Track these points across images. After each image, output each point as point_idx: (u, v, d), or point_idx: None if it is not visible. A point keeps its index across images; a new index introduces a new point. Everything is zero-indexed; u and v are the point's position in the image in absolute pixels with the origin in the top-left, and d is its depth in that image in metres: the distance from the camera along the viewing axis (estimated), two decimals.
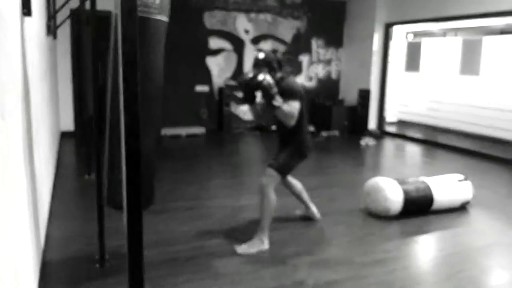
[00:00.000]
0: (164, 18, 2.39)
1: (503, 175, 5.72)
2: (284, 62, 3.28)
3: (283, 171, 3.25)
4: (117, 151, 2.35)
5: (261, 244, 3.17)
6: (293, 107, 3.05)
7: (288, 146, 3.27)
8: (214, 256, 3.07)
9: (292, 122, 3.08)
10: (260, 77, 2.99)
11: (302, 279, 2.78)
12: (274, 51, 8.51)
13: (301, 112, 3.14)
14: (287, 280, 2.77)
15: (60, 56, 7.07)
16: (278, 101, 2.99)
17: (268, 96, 2.99)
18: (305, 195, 3.70)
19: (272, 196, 3.18)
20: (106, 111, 2.49)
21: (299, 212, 3.86)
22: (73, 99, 7.40)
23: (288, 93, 3.07)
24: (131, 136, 1.37)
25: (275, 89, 2.98)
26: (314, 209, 3.75)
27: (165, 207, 3.97)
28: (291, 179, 3.63)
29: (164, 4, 2.35)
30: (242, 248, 3.13)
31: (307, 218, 3.77)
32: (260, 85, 2.98)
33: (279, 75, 3.19)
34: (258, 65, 3.17)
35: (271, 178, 3.19)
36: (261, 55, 3.21)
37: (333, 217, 3.89)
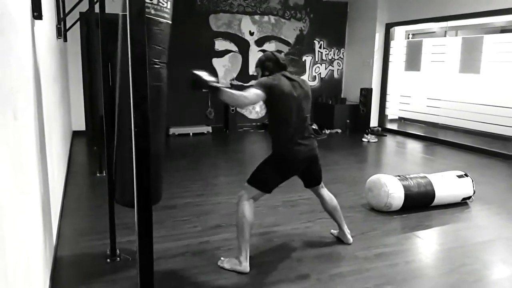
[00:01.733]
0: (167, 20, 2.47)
1: (504, 171, 5.77)
2: (286, 62, 3.03)
3: (258, 183, 2.90)
4: (126, 149, 2.43)
5: (237, 264, 2.85)
6: (247, 92, 2.74)
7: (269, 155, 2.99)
8: (221, 250, 3.15)
9: (236, 102, 2.77)
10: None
11: (306, 273, 2.84)
12: (279, 51, 8.58)
13: (278, 115, 2.88)
14: (291, 273, 2.83)
15: (71, 58, 7.20)
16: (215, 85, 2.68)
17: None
18: (339, 215, 3.29)
19: (242, 211, 2.85)
20: (115, 111, 2.56)
21: (334, 233, 3.47)
22: (84, 100, 7.55)
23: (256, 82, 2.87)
24: (140, 135, 1.38)
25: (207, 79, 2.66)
26: (346, 231, 3.34)
27: (173, 203, 4.06)
28: (325, 193, 3.24)
29: (165, 6, 2.42)
30: (221, 261, 2.93)
31: (339, 239, 3.39)
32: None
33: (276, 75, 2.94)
34: (255, 65, 3.09)
35: (245, 191, 2.91)
36: (259, 57, 3.07)
37: None
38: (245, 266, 2.83)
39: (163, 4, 2.32)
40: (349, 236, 3.33)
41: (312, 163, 3.04)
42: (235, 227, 2.94)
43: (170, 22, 2.41)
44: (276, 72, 2.93)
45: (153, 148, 2.52)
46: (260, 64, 3.02)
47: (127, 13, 1.32)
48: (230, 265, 2.86)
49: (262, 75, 2.98)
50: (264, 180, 2.91)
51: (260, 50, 8.65)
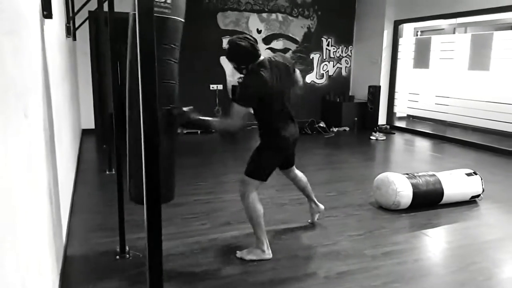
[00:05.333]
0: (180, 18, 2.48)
1: None
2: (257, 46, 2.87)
3: (257, 174, 2.94)
4: (140, 146, 2.44)
5: (261, 253, 2.95)
6: (233, 112, 2.84)
7: (259, 143, 3.03)
8: (230, 247, 3.17)
9: (231, 128, 2.90)
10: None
11: (313, 271, 2.85)
12: (284, 49, 8.60)
13: (263, 105, 2.85)
14: (299, 271, 2.84)
15: (80, 57, 7.26)
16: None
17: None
18: (309, 188, 3.51)
19: (252, 206, 2.91)
20: (125, 108, 2.58)
21: (310, 220, 3.65)
22: (93, 98, 7.62)
23: (239, 87, 2.93)
24: (150, 133, 1.37)
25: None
26: (316, 201, 3.57)
27: (182, 201, 4.08)
28: (298, 173, 3.44)
29: (179, 3, 2.44)
30: (241, 253, 3.00)
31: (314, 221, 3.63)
32: None
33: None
34: (229, 58, 2.96)
35: (246, 186, 2.94)
36: (229, 48, 2.93)
37: (344, 210, 3.96)
38: (269, 253, 2.97)
39: None
40: (320, 204, 3.59)
41: (295, 145, 3.14)
42: (248, 222, 3.02)
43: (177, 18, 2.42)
44: (253, 62, 2.81)
45: (167, 146, 2.56)
46: (234, 57, 2.86)
47: (136, 11, 1.33)
48: (255, 256, 2.95)
49: (239, 69, 2.89)
50: (262, 169, 2.96)
51: (268, 48, 8.65)
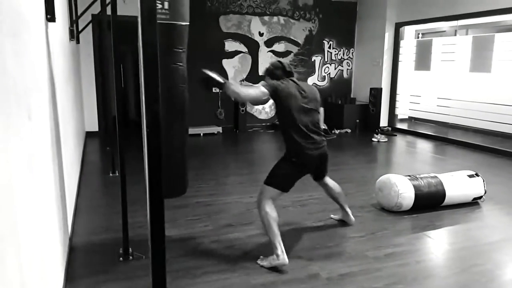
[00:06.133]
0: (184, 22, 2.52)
1: None
2: (291, 69, 3.19)
3: (276, 184, 3.05)
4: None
5: (275, 259, 2.93)
6: (250, 89, 3.02)
7: (283, 155, 3.14)
8: (231, 249, 3.18)
9: (237, 95, 2.94)
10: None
11: (316, 272, 2.86)
12: (286, 52, 8.63)
13: (287, 116, 3.02)
14: (301, 273, 2.85)
15: (83, 60, 7.30)
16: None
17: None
18: (343, 199, 3.61)
19: (265, 211, 3.00)
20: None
21: (335, 217, 3.79)
22: (97, 101, 7.65)
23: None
24: (152, 133, 1.39)
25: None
26: (349, 211, 3.66)
27: (185, 202, 4.09)
28: (330, 182, 3.52)
29: (182, 9, 2.47)
30: (260, 259, 3.02)
31: (342, 221, 3.72)
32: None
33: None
34: (264, 74, 3.28)
35: (262, 193, 3.07)
36: (267, 67, 3.25)
37: None
38: (283, 258, 2.91)
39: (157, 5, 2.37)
40: (352, 216, 3.67)
41: (323, 160, 3.25)
42: (263, 227, 3.09)
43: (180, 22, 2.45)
44: (284, 78, 3.12)
45: (178, 142, 2.59)
46: (268, 73, 3.20)
47: (139, 16, 1.35)
48: (269, 262, 2.95)
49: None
50: (282, 180, 3.07)
51: (270, 51, 8.68)
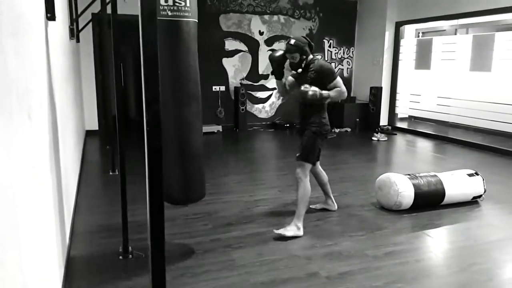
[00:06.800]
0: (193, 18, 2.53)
1: None
2: (312, 46, 3.47)
3: (309, 158, 3.40)
4: (169, 146, 2.50)
5: (297, 230, 3.37)
6: (339, 83, 3.37)
7: (306, 131, 3.42)
8: (231, 248, 3.18)
9: (344, 95, 3.44)
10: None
11: (315, 271, 2.86)
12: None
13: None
14: (301, 271, 2.85)
15: (83, 59, 7.29)
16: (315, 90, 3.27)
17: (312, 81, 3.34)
18: (329, 186, 3.91)
19: (307, 185, 3.39)
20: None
21: (317, 206, 4.01)
22: (97, 99, 7.65)
23: (329, 73, 3.34)
24: (152, 134, 1.40)
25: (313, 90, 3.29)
26: (333, 199, 3.97)
27: None
28: (321, 169, 3.82)
29: (193, 6, 2.49)
30: (279, 230, 3.34)
31: (324, 209, 3.97)
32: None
33: (310, 57, 3.42)
34: (290, 51, 3.34)
35: (302, 168, 3.39)
36: (292, 41, 3.35)
37: (346, 211, 3.97)
38: (301, 231, 3.40)
39: (180, 3, 2.37)
40: (335, 203, 3.96)
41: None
42: (298, 200, 3.41)
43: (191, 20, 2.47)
44: (311, 54, 3.41)
45: (196, 145, 2.63)
46: (299, 50, 3.34)
47: (139, 14, 1.36)
48: (291, 232, 3.35)
49: (300, 60, 3.37)
50: (312, 154, 3.43)
51: (270, 50, 8.67)
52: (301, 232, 3.39)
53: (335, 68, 9.36)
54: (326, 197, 3.96)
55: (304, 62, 3.38)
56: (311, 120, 3.42)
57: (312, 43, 3.45)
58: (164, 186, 2.61)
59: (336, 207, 3.96)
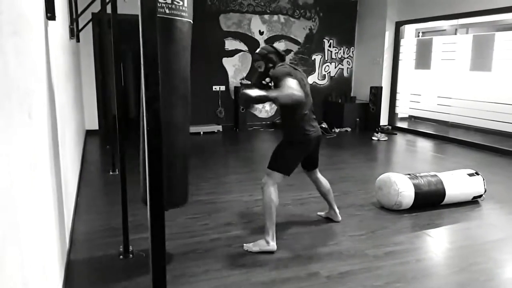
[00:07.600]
0: (189, 19, 2.53)
1: None
2: (283, 55, 3.25)
3: (280, 168, 3.15)
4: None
5: (265, 244, 3.10)
6: (287, 86, 2.88)
7: (282, 139, 3.24)
8: (231, 247, 3.18)
9: (297, 97, 2.88)
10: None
11: (316, 271, 2.86)
12: (286, 50, 8.63)
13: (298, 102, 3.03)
14: (301, 271, 2.85)
15: (83, 58, 7.30)
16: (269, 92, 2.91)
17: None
18: (331, 196, 3.65)
19: (270, 195, 3.10)
20: (141, 111, 2.59)
21: (321, 214, 3.82)
22: (97, 99, 7.66)
23: (277, 76, 3.00)
24: (153, 134, 1.38)
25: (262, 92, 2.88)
26: (337, 210, 3.70)
27: None
28: (321, 177, 3.58)
29: (189, 7, 2.49)
30: (247, 246, 3.15)
31: (328, 218, 3.75)
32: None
33: (278, 66, 3.14)
34: (255, 59, 3.28)
35: (268, 177, 3.15)
36: (258, 50, 3.30)
37: (346, 210, 3.96)
38: (273, 245, 3.09)
39: (178, 2, 2.36)
40: (339, 215, 3.71)
41: (317, 145, 3.35)
42: (263, 210, 3.18)
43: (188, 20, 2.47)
44: (279, 63, 3.16)
45: (180, 148, 2.59)
46: (262, 57, 3.21)
47: (139, 13, 1.35)
48: (259, 247, 3.10)
49: (266, 68, 3.21)
50: (285, 164, 3.17)
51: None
52: (271, 247, 3.08)
53: (335, 68, 9.37)
54: (329, 208, 3.73)
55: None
56: (284, 129, 3.28)
57: (283, 53, 3.25)
58: (142, 189, 2.59)
59: (340, 218, 3.70)
